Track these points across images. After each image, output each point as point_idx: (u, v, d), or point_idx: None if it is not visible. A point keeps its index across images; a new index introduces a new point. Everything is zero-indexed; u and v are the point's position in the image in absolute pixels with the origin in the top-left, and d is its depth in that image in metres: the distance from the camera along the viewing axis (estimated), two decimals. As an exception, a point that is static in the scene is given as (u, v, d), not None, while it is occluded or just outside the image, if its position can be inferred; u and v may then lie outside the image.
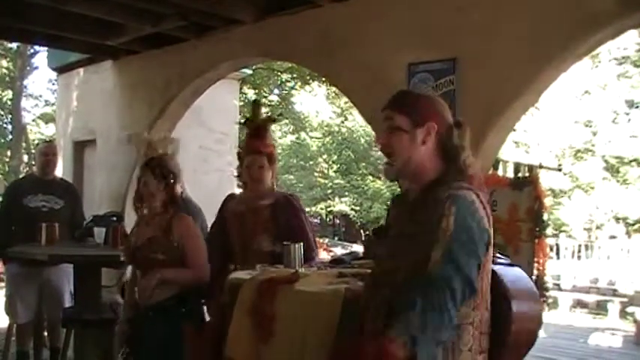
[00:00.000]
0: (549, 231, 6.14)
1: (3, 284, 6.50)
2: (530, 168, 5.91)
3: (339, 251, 12.43)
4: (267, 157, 3.84)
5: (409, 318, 1.90)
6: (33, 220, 5.24)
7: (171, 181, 3.81)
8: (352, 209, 22.45)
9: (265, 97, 19.39)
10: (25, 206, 5.51)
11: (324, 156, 24.31)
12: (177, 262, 3.74)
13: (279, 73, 17.42)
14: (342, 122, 23.02)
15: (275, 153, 3.95)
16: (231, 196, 4.16)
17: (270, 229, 3.72)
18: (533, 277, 5.87)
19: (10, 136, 20.19)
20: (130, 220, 6.58)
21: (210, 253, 3.95)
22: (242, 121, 4.16)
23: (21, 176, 6.73)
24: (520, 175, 5.88)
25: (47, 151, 5.80)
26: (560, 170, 13.52)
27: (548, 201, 6.14)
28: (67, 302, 5.51)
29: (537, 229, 5.76)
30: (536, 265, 5.86)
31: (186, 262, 3.74)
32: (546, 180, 5.98)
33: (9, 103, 20.35)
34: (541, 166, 6.17)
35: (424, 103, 2.21)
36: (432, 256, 1.95)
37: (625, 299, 12.05)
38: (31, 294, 5.48)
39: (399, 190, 2.42)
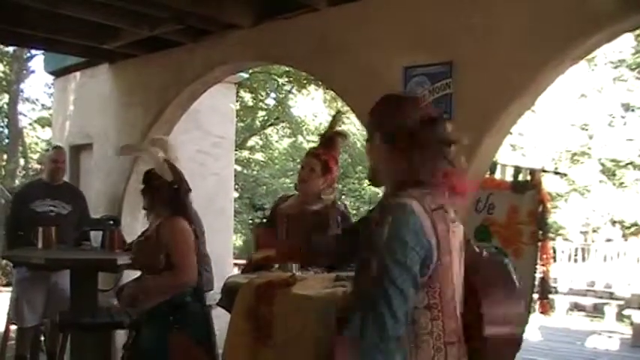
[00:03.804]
0: (546, 234, 6.19)
1: (9, 288, 6.52)
2: (532, 172, 5.93)
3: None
4: (322, 164, 3.84)
5: (353, 328, 1.92)
6: (41, 225, 5.28)
7: (156, 188, 3.84)
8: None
9: (262, 100, 19.39)
10: (33, 211, 5.56)
11: (321, 160, 24.24)
12: (159, 265, 3.74)
13: (275, 77, 17.43)
14: (339, 126, 23.03)
15: (332, 165, 3.90)
16: (284, 198, 4.18)
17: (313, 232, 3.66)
18: (538, 280, 5.90)
19: (7, 140, 20.14)
20: (126, 223, 6.61)
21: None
22: (320, 133, 4.22)
23: (30, 181, 6.81)
24: (521, 178, 5.90)
25: (57, 158, 5.88)
26: (562, 175, 13.52)
27: (549, 205, 6.14)
28: (75, 306, 5.53)
29: (541, 232, 5.77)
30: (540, 268, 5.88)
31: (172, 264, 3.73)
32: (544, 183, 6.00)
33: (5, 107, 20.30)
34: (544, 170, 6.19)
35: (380, 114, 2.25)
36: (371, 266, 1.95)
37: (622, 302, 12.09)
38: (38, 298, 5.51)
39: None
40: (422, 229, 1.96)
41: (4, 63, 19.85)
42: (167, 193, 3.84)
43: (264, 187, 19.45)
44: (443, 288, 2.01)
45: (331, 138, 3.98)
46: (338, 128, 4.14)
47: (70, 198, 5.84)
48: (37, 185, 6.05)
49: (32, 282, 5.48)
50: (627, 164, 18.89)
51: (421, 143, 2.08)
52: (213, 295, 5.06)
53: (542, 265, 5.88)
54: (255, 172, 20.50)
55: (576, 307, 13.35)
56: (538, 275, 5.87)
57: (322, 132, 4.14)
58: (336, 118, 4.21)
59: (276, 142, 22.18)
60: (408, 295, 1.92)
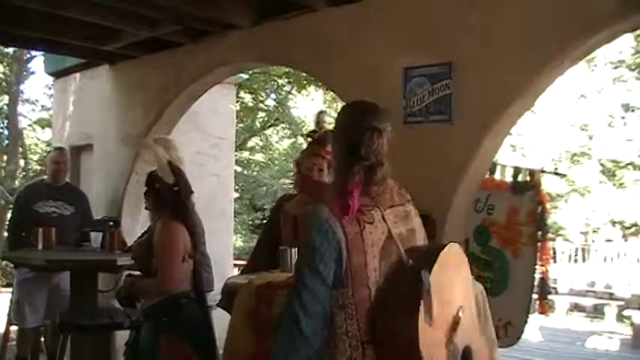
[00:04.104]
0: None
1: (9, 289, 6.53)
2: (532, 172, 5.93)
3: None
4: (328, 163, 3.83)
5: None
6: (43, 226, 5.28)
7: (156, 185, 3.84)
8: (349, 213, 22.39)
9: (262, 101, 19.38)
10: (35, 212, 5.57)
11: (321, 160, 24.20)
12: (152, 268, 3.73)
13: (275, 78, 17.42)
14: (325, 124, 22.93)
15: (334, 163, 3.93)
16: (285, 198, 4.15)
17: None
18: (537, 281, 5.91)
19: (7, 141, 20.13)
20: (126, 224, 6.61)
21: (258, 253, 3.98)
22: (306, 133, 4.20)
23: (32, 182, 6.86)
24: (520, 179, 5.90)
25: (59, 159, 5.89)
26: (562, 175, 13.52)
27: (548, 205, 6.14)
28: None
29: (540, 233, 5.78)
30: (539, 268, 5.89)
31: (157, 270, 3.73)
32: (544, 184, 6.00)
33: (5, 108, 20.30)
34: (543, 171, 6.18)
35: None
36: None
37: (622, 302, 12.10)
38: (39, 298, 5.51)
39: None
40: (330, 232, 2.08)
41: (4, 64, 19.85)
42: (167, 195, 3.83)
43: (264, 187, 19.44)
44: (355, 287, 2.08)
45: (325, 136, 3.96)
46: (325, 127, 4.12)
47: (72, 199, 5.85)
48: (40, 186, 6.06)
49: (34, 283, 5.49)
50: (627, 165, 18.90)
51: (345, 153, 2.23)
52: (213, 295, 5.06)
53: (542, 265, 5.89)
54: (255, 173, 20.49)
55: (576, 307, 13.35)
56: (537, 276, 5.87)
57: (309, 132, 4.13)
58: (321, 118, 4.21)
59: (276, 142, 22.17)
60: (320, 295, 2.05)
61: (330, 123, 4.09)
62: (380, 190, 2.19)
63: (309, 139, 4.07)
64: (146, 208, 4.02)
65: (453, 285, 2.12)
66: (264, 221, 4.36)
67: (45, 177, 6.12)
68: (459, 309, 2.11)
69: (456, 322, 2.09)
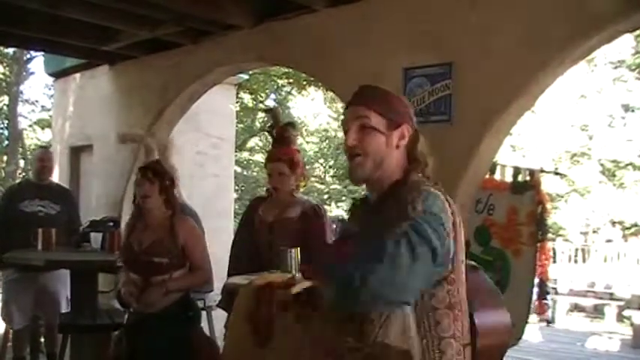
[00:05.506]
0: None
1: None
2: (532, 172, 5.93)
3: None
4: (288, 163, 3.81)
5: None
6: (29, 225, 5.26)
7: (167, 182, 3.82)
8: (349, 214, 22.37)
9: (262, 102, 19.38)
10: (21, 211, 5.53)
11: (321, 161, 24.29)
12: (181, 264, 3.73)
13: (275, 78, 17.42)
14: (339, 127, 22.95)
15: (297, 157, 3.89)
16: (259, 200, 4.13)
17: (298, 240, 3.60)
18: (536, 281, 5.91)
19: (7, 142, 20.15)
20: (126, 225, 6.61)
21: (238, 257, 3.97)
22: (266, 131, 4.19)
23: (17, 181, 6.81)
24: (520, 179, 5.90)
25: (43, 157, 5.85)
26: (562, 175, 13.52)
27: (548, 205, 6.14)
28: (64, 307, 5.51)
29: (540, 233, 5.78)
30: (539, 269, 5.89)
31: (192, 264, 3.74)
32: (543, 184, 6.00)
33: (5, 108, 20.33)
34: (542, 171, 6.18)
35: (399, 103, 2.12)
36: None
37: (622, 303, 12.10)
38: (26, 299, 5.48)
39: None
40: (448, 220, 1.88)
41: (4, 64, 19.88)
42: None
43: (264, 188, 19.45)
44: (460, 285, 1.89)
45: (282, 133, 3.95)
46: (282, 121, 4.10)
47: (58, 198, 5.80)
48: (26, 185, 6.05)
49: (19, 283, 5.46)
50: (627, 165, 18.91)
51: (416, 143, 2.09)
52: (213, 296, 5.05)
53: (541, 266, 5.89)
54: (255, 174, 20.49)
55: (576, 307, 13.34)
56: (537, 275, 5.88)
57: (268, 127, 4.12)
58: (275, 113, 4.19)
59: (277, 143, 22.14)
60: (438, 250, 1.79)
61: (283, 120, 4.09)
62: None
63: (271, 138, 4.05)
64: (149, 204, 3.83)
65: None
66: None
67: (31, 176, 6.12)
68: None
69: None
